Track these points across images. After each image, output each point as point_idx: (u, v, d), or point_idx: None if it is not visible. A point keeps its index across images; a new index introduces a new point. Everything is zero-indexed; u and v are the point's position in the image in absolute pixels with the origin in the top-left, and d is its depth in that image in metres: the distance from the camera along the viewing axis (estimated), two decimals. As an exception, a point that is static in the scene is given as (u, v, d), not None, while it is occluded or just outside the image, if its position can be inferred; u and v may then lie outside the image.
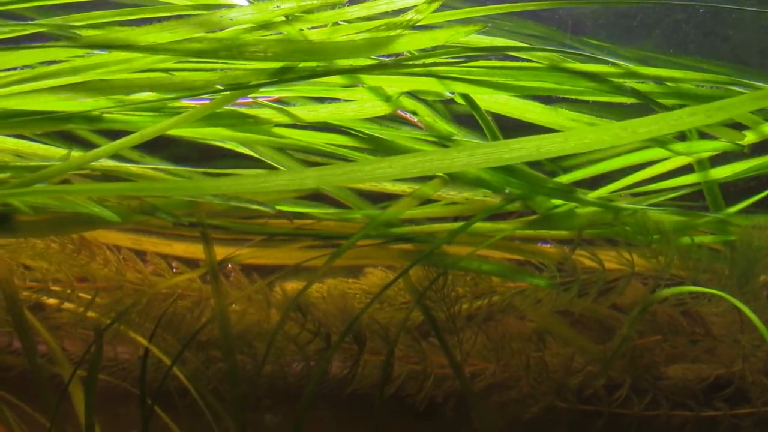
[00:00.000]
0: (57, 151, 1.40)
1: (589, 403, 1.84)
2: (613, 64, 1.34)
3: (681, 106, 1.42)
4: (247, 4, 1.20)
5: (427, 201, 1.59)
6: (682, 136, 1.51)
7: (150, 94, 1.29)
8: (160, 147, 1.49)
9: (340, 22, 1.22)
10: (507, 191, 1.46)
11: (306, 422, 1.51)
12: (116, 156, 1.43)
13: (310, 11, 1.21)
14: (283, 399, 1.75)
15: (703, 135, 1.46)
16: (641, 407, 1.83)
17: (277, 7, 1.21)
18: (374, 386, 1.77)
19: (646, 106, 1.40)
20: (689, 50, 1.64)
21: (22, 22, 1.17)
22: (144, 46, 1.18)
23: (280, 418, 1.60)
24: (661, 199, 1.58)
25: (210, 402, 1.62)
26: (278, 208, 1.52)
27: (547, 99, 1.40)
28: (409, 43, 1.25)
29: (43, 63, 1.20)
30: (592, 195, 1.54)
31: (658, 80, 1.37)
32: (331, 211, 1.60)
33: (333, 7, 1.20)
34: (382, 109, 1.38)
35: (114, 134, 1.34)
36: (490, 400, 1.83)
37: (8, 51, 1.20)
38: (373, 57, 1.25)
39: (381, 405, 1.65)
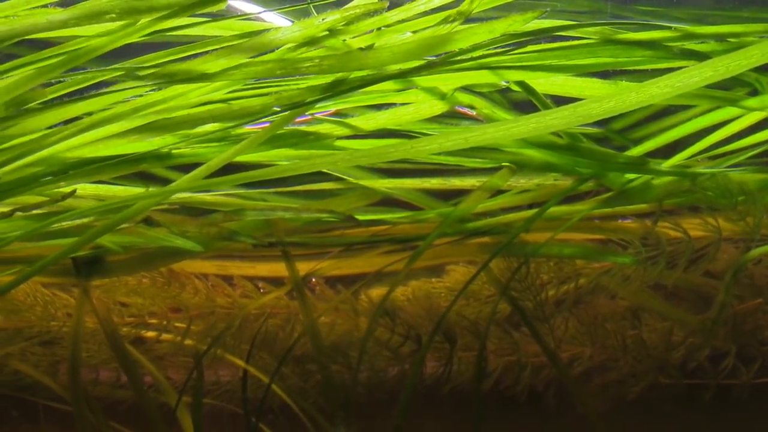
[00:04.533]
0: (134, 191, 1.46)
1: (694, 377, 1.79)
2: (669, 28, 1.30)
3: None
4: (289, 24, 1.22)
5: (498, 192, 1.58)
6: (754, 91, 1.45)
7: (212, 125, 1.33)
8: (230, 173, 1.53)
9: (382, 28, 1.24)
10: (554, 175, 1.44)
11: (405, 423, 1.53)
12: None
13: (352, 22, 1.23)
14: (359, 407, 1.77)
15: (775, 87, 1.40)
16: (750, 376, 1.77)
17: (323, 20, 1.23)
18: (472, 382, 1.77)
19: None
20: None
21: (84, 71, 1.23)
22: (205, 74, 1.23)
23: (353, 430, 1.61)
24: (741, 158, 1.52)
25: (312, 415, 1.65)
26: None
27: (605, 74, 1.37)
28: (465, 39, 1.24)
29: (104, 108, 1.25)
30: (667, 164, 1.50)
31: (719, 38, 1.32)
32: (405, 213, 1.61)
33: (373, 14, 1.21)
34: (439, 107, 1.38)
35: (184, 167, 1.39)
36: (591, 384, 1.80)
37: (77, 101, 1.27)
38: (423, 58, 1.25)
39: (479, 400, 1.65)
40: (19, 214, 1.40)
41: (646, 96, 1.09)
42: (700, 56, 1.30)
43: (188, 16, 1.18)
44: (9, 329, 1.63)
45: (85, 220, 1.33)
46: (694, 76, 1.08)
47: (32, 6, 1.19)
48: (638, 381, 1.77)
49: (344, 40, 1.24)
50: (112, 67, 1.22)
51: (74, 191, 1.31)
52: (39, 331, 1.64)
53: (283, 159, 1.42)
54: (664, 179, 1.51)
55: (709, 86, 1.41)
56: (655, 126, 1.56)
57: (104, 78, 1.23)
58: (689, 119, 1.48)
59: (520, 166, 1.51)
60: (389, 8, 1.21)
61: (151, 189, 1.43)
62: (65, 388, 1.62)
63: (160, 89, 1.26)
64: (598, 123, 1.49)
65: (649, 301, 1.75)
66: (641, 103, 1.09)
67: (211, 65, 1.21)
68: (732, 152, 1.52)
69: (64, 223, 1.34)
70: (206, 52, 1.22)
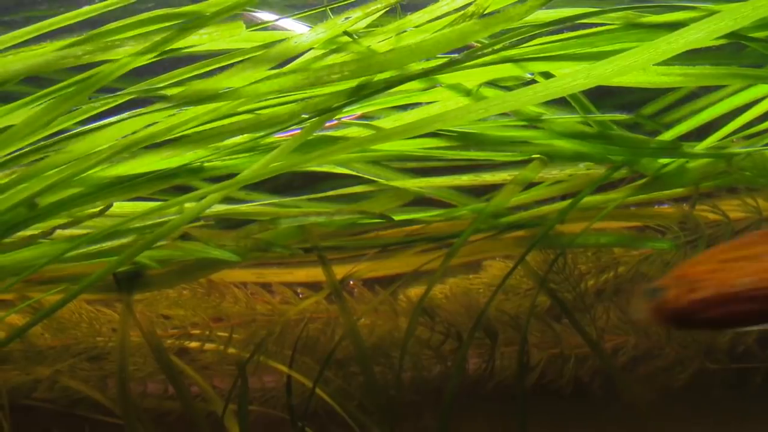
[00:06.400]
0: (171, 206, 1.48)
1: (743, 361, 1.76)
2: (693, 8, 1.28)
3: (778, 37, 1.35)
4: (305, 27, 1.24)
5: (531, 185, 1.57)
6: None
7: (242, 136, 1.35)
8: (262, 181, 1.54)
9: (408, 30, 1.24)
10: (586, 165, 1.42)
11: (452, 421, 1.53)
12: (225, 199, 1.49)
13: (376, 25, 1.24)
14: (403, 407, 1.77)
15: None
16: (801, 356, 1.74)
17: (346, 19, 1.24)
18: (516, 377, 1.77)
19: (737, 44, 1.34)
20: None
21: (112, 94, 1.25)
22: (231, 91, 1.25)
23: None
24: (778, 135, 1.49)
25: (357, 417, 1.66)
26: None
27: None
28: (483, 31, 1.24)
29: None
30: (701, 146, 1.47)
31: (746, 14, 1.29)
32: (438, 212, 1.61)
33: (394, 11, 1.22)
34: (464, 104, 1.38)
35: (218, 179, 1.41)
36: (637, 373, 1.78)
37: (109, 124, 1.29)
38: (443, 54, 1.25)
39: (523, 394, 1.64)
40: (59, 233, 1.44)
41: (658, 53, 1.10)
42: (729, 34, 1.28)
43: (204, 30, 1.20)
44: (57, 347, 1.67)
45: (124, 240, 1.36)
46: (702, 30, 1.09)
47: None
48: (685, 368, 1.75)
49: (368, 46, 1.25)
50: (140, 86, 1.24)
51: (111, 205, 1.34)
52: (86, 347, 1.68)
53: (314, 165, 1.43)
54: (699, 162, 1.49)
55: (740, 65, 1.40)
56: (686, 109, 1.54)
57: (133, 97, 1.25)
58: (721, 99, 1.46)
59: (551, 158, 1.50)
60: (412, 11, 1.22)
61: (186, 204, 1.44)
62: (115, 402, 1.65)
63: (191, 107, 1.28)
64: (628, 109, 1.48)
65: (692, 285, 1.72)
66: (653, 60, 1.10)
67: (237, 79, 1.22)
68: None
69: (104, 244, 1.37)
70: (231, 65, 1.24)
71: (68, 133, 1.26)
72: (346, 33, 1.20)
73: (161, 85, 1.24)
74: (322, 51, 1.27)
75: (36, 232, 1.37)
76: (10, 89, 1.20)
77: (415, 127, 1.18)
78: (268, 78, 1.23)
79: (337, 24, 1.24)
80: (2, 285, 1.45)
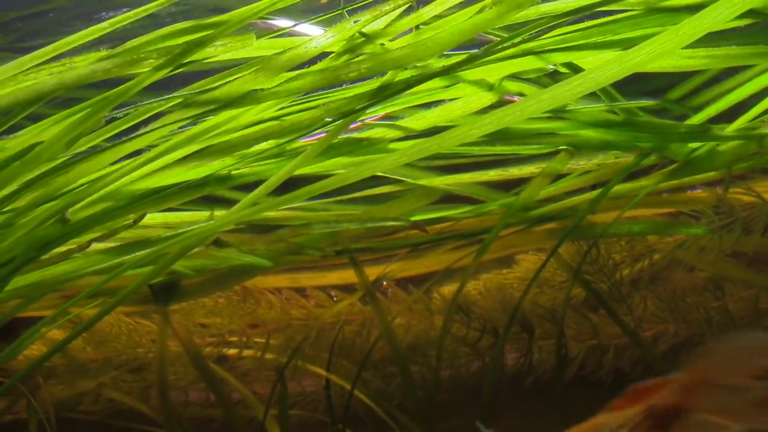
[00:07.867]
0: (201, 215, 1.50)
1: (787, 344, 1.73)
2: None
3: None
4: (322, 32, 1.24)
5: (559, 176, 1.55)
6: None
7: (267, 143, 1.36)
8: (290, 186, 1.55)
9: (420, 26, 1.24)
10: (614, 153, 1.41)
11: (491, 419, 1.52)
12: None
13: (389, 25, 1.24)
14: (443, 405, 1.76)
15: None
16: None
17: (355, 22, 1.24)
18: (554, 370, 1.76)
19: (763, 23, 1.31)
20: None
21: (134, 105, 1.27)
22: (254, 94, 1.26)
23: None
24: (810, 113, 1.46)
25: (397, 417, 1.66)
26: (413, 218, 1.56)
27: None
28: (496, 21, 1.24)
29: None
30: (731, 128, 1.45)
31: (770, -7, 1.27)
32: (467, 209, 1.61)
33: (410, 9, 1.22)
34: (488, 99, 1.37)
35: (246, 186, 1.42)
36: (678, 361, 1.76)
37: (136, 135, 1.31)
38: (459, 47, 1.25)
39: (561, 387, 1.63)
40: (96, 246, 1.46)
41: (684, 37, 1.10)
42: (756, 13, 1.26)
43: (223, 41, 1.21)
44: (99, 360, 1.70)
45: (157, 247, 1.37)
46: (724, 10, 1.08)
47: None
48: (727, 354, 1.72)
49: (382, 44, 1.25)
50: (164, 98, 1.26)
51: (144, 214, 1.36)
52: (126, 359, 1.70)
53: (340, 167, 1.44)
54: (730, 144, 1.46)
55: (767, 44, 1.37)
56: (713, 91, 1.52)
57: (160, 109, 1.27)
58: (748, 80, 1.43)
59: (578, 148, 1.49)
60: (423, 5, 1.22)
61: (216, 212, 1.46)
62: (158, 412, 1.67)
63: (213, 116, 1.29)
64: (654, 94, 1.46)
65: (730, 270, 1.70)
66: (681, 44, 1.11)
67: (253, 84, 1.24)
68: (799, 108, 1.46)
69: (137, 254, 1.39)
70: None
71: (99, 149, 1.28)
72: (361, 33, 1.20)
73: (186, 94, 1.26)
74: (337, 52, 1.28)
75: (72, 246, 1.40)
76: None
77: (466, 134, 1.17)
78: (287, 81, 1.24)
79: (346, 27, 1.24)
80: (42, 300, 1.48)
